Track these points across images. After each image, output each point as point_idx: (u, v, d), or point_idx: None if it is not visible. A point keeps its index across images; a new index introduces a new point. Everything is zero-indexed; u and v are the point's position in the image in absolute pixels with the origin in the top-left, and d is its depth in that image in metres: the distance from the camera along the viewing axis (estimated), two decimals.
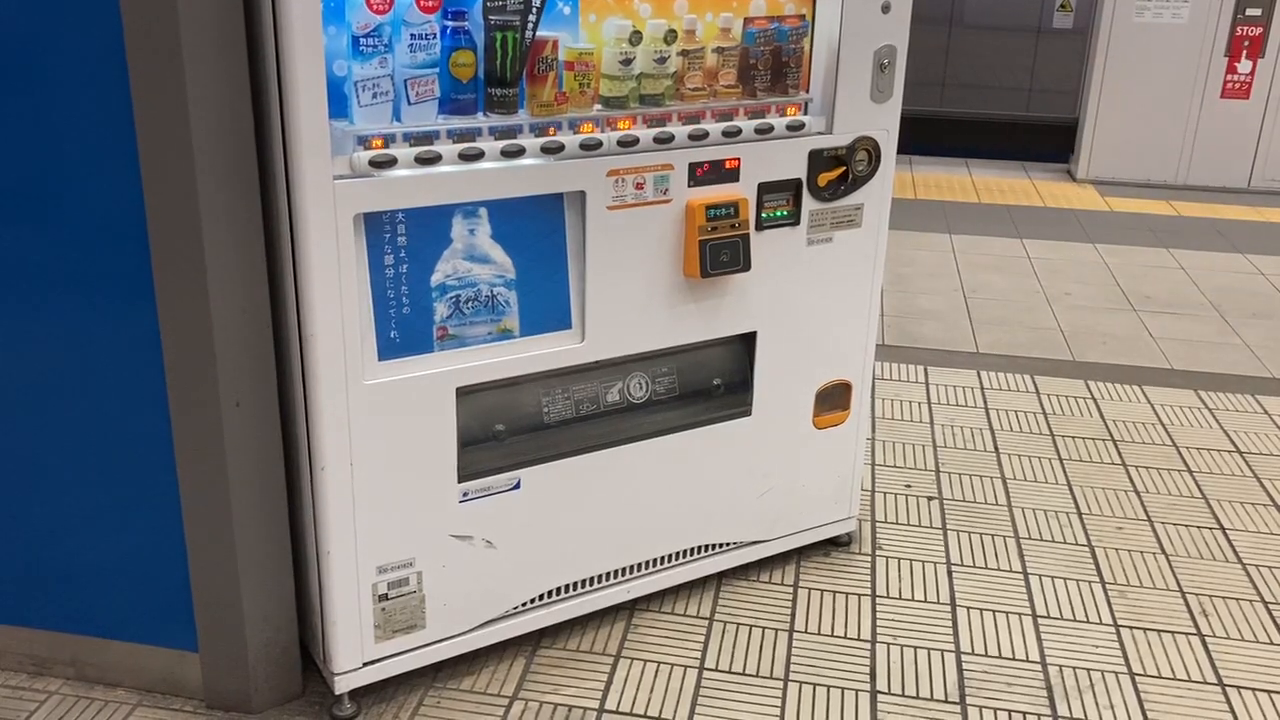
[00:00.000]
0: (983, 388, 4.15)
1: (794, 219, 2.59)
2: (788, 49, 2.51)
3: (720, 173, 2.46)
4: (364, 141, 2.08)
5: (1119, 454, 3.66)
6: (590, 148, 2.29)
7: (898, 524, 3.19)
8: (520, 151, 2.21)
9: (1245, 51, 7.03)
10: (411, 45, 2.08)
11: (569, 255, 2.37)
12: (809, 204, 2.60)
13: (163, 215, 2.04)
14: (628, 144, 2.33)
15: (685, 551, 2.74)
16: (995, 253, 5.88)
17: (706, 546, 2.77)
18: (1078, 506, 3.31)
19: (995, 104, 8.62)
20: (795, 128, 2.53)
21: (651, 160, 2.37)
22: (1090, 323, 4.90)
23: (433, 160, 2.12)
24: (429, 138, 2.13)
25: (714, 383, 2.68)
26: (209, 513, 2.23)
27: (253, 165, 2.07)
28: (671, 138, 2.38)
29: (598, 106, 2.33)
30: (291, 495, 2.31)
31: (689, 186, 2.43)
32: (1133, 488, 3.44)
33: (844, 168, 2.61)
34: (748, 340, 2.66)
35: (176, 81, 1.95)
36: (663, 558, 2.71)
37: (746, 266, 2.51)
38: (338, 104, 2.06)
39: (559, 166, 2.27)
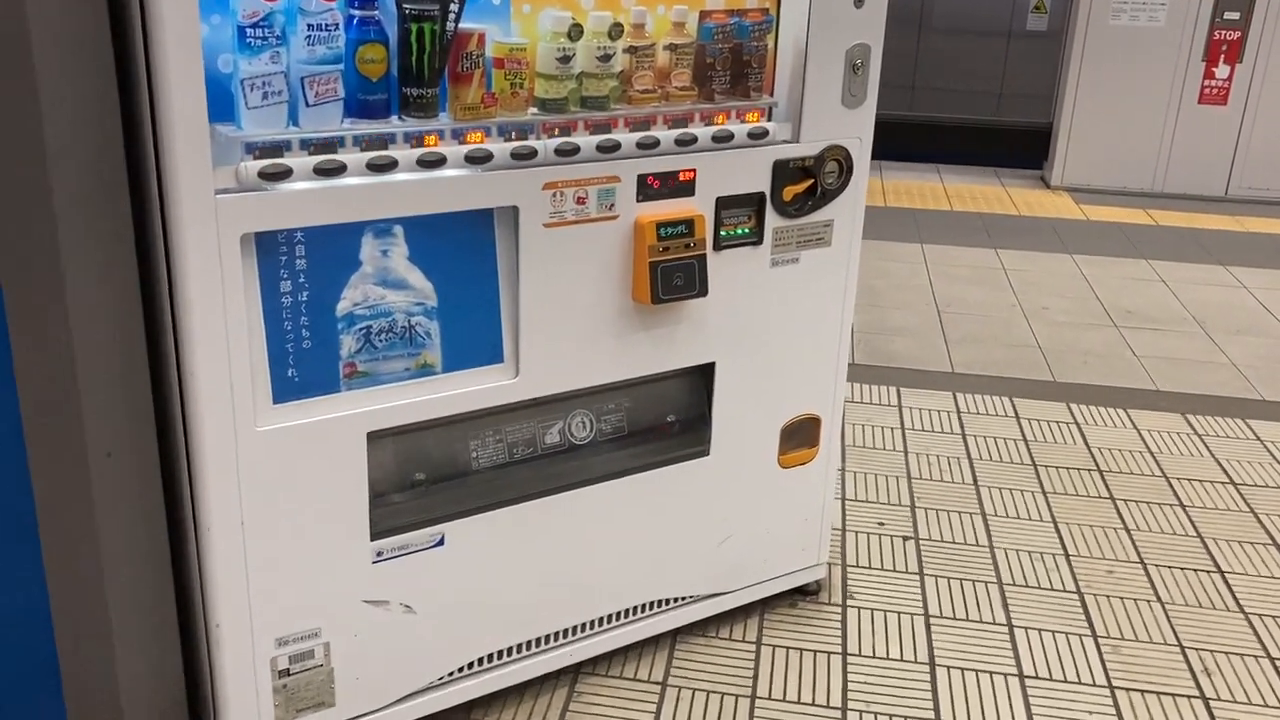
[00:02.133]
0: (959, 411, 3.89)
1: (756, 238, 2.31)
2: (749, 47, 2.22)
3: (673, 186, 2.17)
4: (254, 149, 1.77)
5: (1106, 486, 3.41)
6: (523, 157, 1.99)
7: (870, 568, 2.92)
8: (440, 161, 1.91)
9: (1223, 56, 6.83)
10: (309, 37, 1.77)
11: (500, 279, 2.08)
12: (773, 221, 2.32)
13: (10, 235, 1.73)
14: (567, 153, 2.04)
15: (635, 608, 2.45)
16: (969, 264, 5.64)
17: (659, 602, 2.48)
18: (1064, 546, 3.05)
19: (967, 108, 8.39)
20: (758, 136, 2.25)
21: (595, 171, 2.08)
22: (1070, 339, 4.66)
23: (336, 171, 1.82)
24: (332, 145, 1.83)
25: (668, 420, 2.39)
26: (76, 579, 1.92)
27: (120, 176, 1.75)
28: (617, 146, 2.09)
29: (532, 110, 2.04)
30: (179, 558, 2.00)
31: (638, 201, 2.14)
32: (1122, 524, 3.19)
33: (812, 180, 2.34)
34: (706, 372, 2.38)
35: (27, 81, 1.64)
36: (610, 616, 2.42)
37: (703, 291, 2.23)
38: (222, 106, 1.76)
39: (487, 178, 1.98)
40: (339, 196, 1.85)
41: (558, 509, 2.24)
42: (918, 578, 2.88)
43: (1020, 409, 3.94)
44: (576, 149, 2.05)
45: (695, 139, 2.17)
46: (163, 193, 1.73)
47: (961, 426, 3.77)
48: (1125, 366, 4.39)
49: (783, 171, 2.29)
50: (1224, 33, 6.81)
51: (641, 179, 2.13)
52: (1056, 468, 3.51)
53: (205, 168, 1.71)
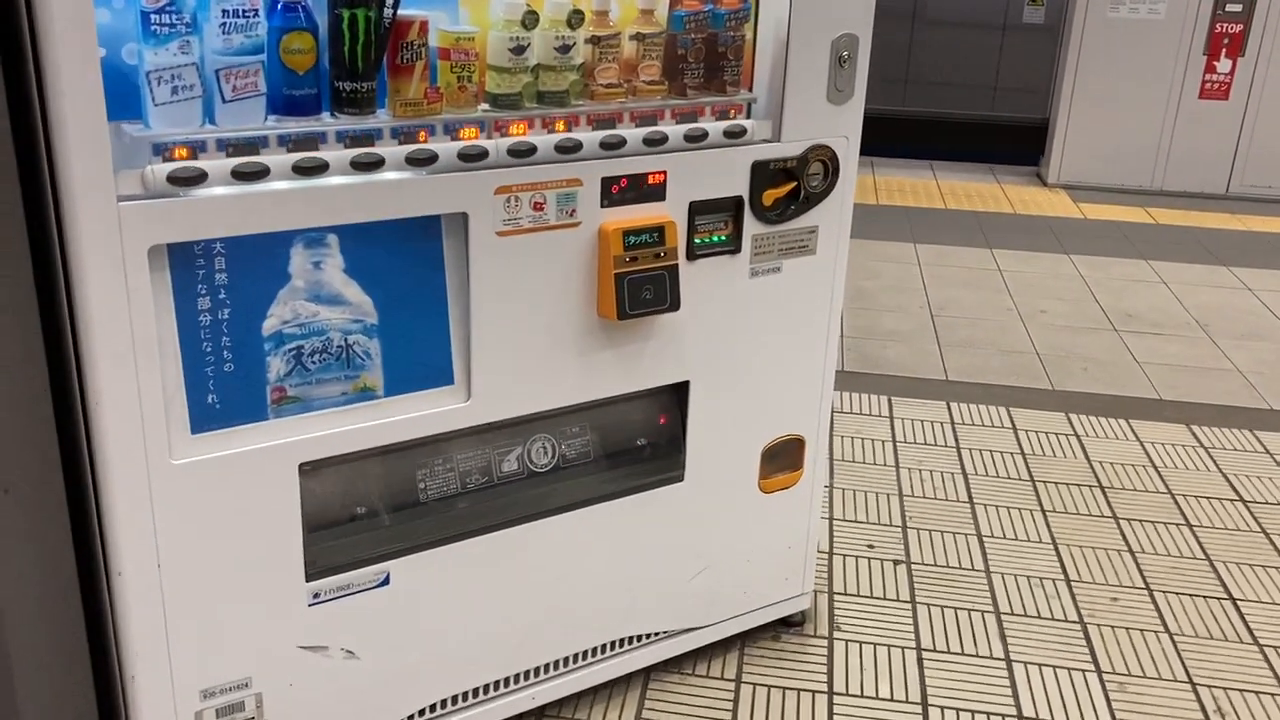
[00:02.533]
0: (953, 422, 3.70)
1: (734, 245, 2.12)
2: (725, 37, 2.03)
3: (641, 190, 1.98)
4: (163, 151, 1.58)
5: (1108, 504, 3.22)
6: (472, 158, 1.80)
7: (859, 596, 2.73)
8: (378, 163, 1.72)
9: (1225, 50, 6.65)
10: (225, 25, 1.58)
11: (449, 293, 1.88)
12: (752, 227, 2.13)
13: None
14: (522, 153, 1.85)
15: (603, 646, 2.26)
16: (964, 264, 5.45)
17: (630, 639, 2.29)
18: (1066, 571, 2.87)
19: (961, 103, 8.19)
20: (735, 134, 2.06)
21: (554, 174, 1.89)
22: (1069, 344, 4.48)
23: (258, 174, 1.63)
24: (254, 145, 1.64)
25: (638, 443, 2.20)
26: None
27: (11, 183, 1.56)
28: (578, 146, 1.90)
29: (483, 107, 1.85)
30: (91, 605, 1.80)
31: (602, 207, 1.95)
32: (1126, 546, 3.00)
33: (795, 183, 2.14)
34: (679, 391, 2.18)
35: None
36: (576, 655, 2.23)
37: (675, 305, 2.04)
38: (127, 102, 1.56)
39: (433, 182, 1.78)
40: (263, 203, 1.65)
41: (516, 542, 2.05)
42: (909, 606, 2.69)
43: (1017, 419, 3.75)
44: (532, 149, 1.85)
45: (665, 138, 1.98)
46: (58, 200, 1.53)
47: (956, 439, 3.58)
48: (1126, 374, 4.21)
49: (762, 174, 2.10)
50: (1226, 25, 6.63)
51: (606, 182, 1.94)
52: (1056, 483, 3.33)
53: (105, 171, 1.51)
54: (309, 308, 1.76)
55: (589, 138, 1.91)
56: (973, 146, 7.66)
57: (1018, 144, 7.56)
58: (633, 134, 1.95)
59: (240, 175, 1.61)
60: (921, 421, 3.70)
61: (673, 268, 2.02)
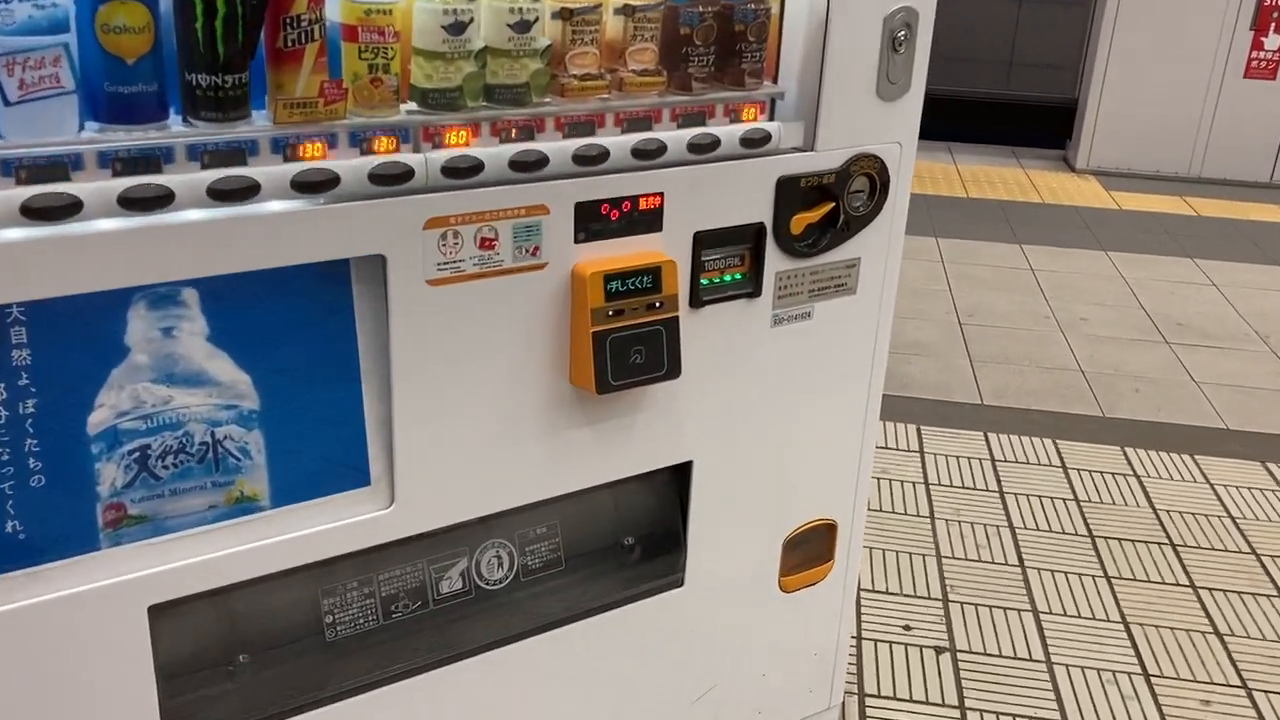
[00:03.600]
0: (993, 459, 3.20)
1: (752, 287, 1.61)
2: (744, 12, 1.51)
3: (630, 218, 1.47)
4: None
5: (1182, 566, 2.73)
6: (391, 180, 1.29)
7: (896, 699, 2.24)
8: (250, 189, 1.20)
9: (1274, 24, 6.09)
10: None
11: (362, 363, 1.37)
12: (776, 262, 1.62)
13: None
14: (462, 172, 1.33)
15: None
16: (991, 262, 4.93)
17: None
18: (1142, 662, 2.38)
19: (983, 81, 7.62)
20: (756, 141, 1.54)
21: (508, 200, 1.37)
22: (1115, 359, 3.97)
23: (66, 210, 1.11)
24: (59, 167, 1.12)
25: (624, 542, 1.70)
26: None
27: None
28: (543, 161, 1.38)
29: (408, 107, 1.33)
30: None
31: (577, 242, 1.44)
32: (1212, 627, 2.51)
33: (833, 204, 1.63)
34: (679, 474, 1.68)
35: None
36: None
37: (674, 371, 1.52)
38: None
39: (334, 215, 1.27)
40: (80, 250, 1.14)
41: (462, 682, 1.55)
42: (957, 713, 2.20)
43: (1066, 455, 3.25)
44: (478, 166, 1.34)
45: (663, 148, 1.46)
46: None
47: (998, 480, 3.08)
48: (1185, 397, 3.70)
49: (791, 192, 1.59)
50: None
51: (582, 209, 1.43)
52: (1119, 539, 2.83)
53: None
54: (157, 392, 1.25)
55: (558, 149, 1.39)
56: (995, 128, 7.10)
57: (1043, 126, 7.01)
58: (618, 143, 1.43)
59: (35, 213, 1.10)
60: (956, 457, 3.19)
61: (671, 322, 1.51)
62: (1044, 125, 7.02)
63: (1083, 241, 5.27)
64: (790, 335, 1.68)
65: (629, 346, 1.48)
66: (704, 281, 1.57)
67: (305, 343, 1.32)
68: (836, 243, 1.67)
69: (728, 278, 1.59)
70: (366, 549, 1.43)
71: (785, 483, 1.79)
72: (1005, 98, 7.61)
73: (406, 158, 1.30)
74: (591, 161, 1.41)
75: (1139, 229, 5.52)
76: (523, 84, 1.36)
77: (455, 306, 1.37)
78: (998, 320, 4.27)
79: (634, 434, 1.59)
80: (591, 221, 1.44)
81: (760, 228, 1.58)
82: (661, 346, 1.50)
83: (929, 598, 2.55)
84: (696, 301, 1.56)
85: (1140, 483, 3.12)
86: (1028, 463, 3.19)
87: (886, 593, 2.56)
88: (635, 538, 1.70)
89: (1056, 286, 4.67)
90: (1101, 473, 3.16)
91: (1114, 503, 3.01)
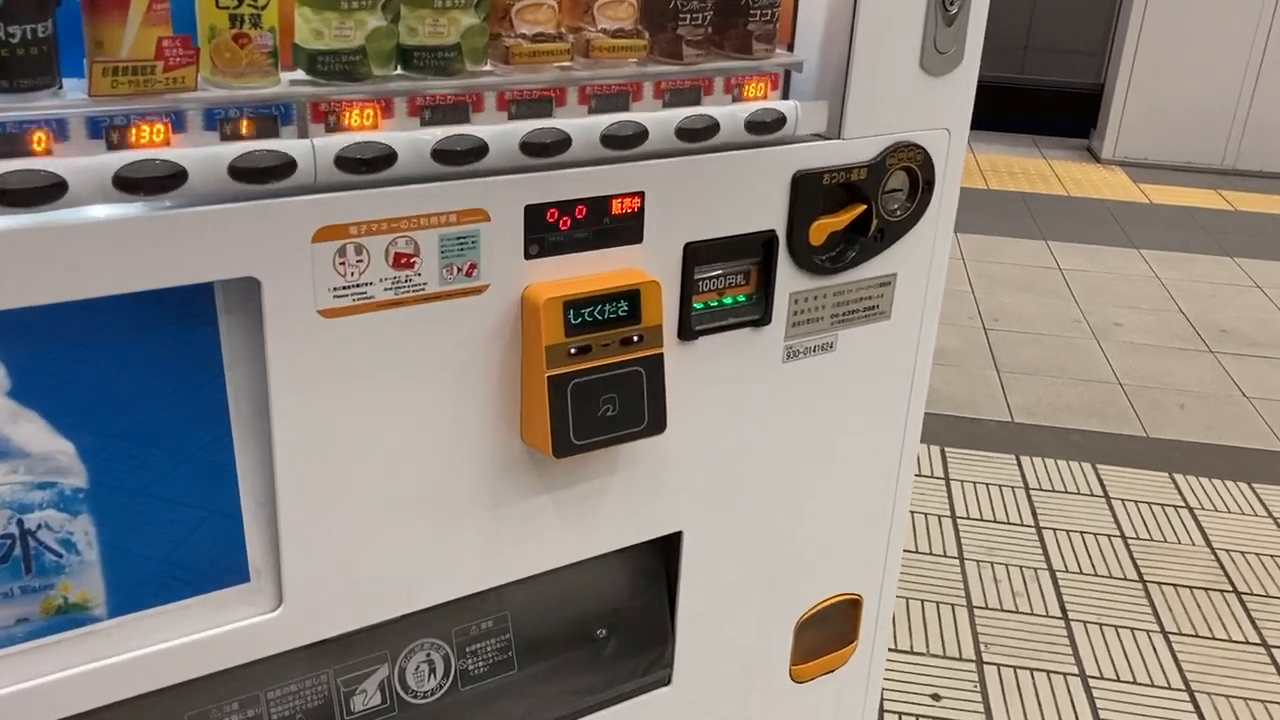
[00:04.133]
0: (1027, 487, 2.85)
1: (759, 312, 1.26)
2: None
3: (599, 226, 1.11)
4: None
5: (1250, 620, 2.38)
6: (264, 175, 0.93)
7: None
8: (55, 189, 0.85)
9: None
10: None
11: (233, 422, 1.02)
12: (790, 281, 1.27)
13: None
14: (367, 164, 0.98)
15: None
16: (1016, 261, 4.57)
17: None
18: None
19: (1001, 65, 7.22)
20: (766, 126, 1.18)
21: (432, 202, 1.02)
22: (1155, 370, 3.61)
23: None
24: None
25: (596, 634, 1.34)
26: None
27: None
28: (480, 149, 1.02)
29: (292, 76, 0.97)
30: None
31: (528, 258, 1.09)
32: None
33: (864, 206, 1.28)
34: (665, 547, 1.33)
35: None
36: None
37: (658, 425, 1.17)
38: None
39: (185, 225, 0.91)
40: None
41: None
42: None
43: (1109, 482, 2.90)
44: (389, 156, 0.98)
45: (643, 133, 1.11)
46: None
47: (1034, 515, 2.73)
48: (1236, 414, 3.35)
49: (811, 191, 1.23)
50: None
51: (534, 214, 1.07)
52: (1174, 585, 2.48)
53: None
54: None
55: (500, 134, 1.04)
56: (1014, 115, 6.72)
57: (1066, 113, 6.64)
58: (583, 126, 1.08)
59: None
60: (986, 485, 2.84)
61: (653, 361, 1.16)
62: (1067, 112, 6.64)
63: (1113, 238, 4.91)
64: (807, 372, 1.33)
65: (597, 394, 1.12)
66: (697, 306, 1.21)
67: (152, 397, 0.97)
68: (867, 255, 1.31)
69: (728, 300, 1.24)
70: (247, 663, 1.08)
71: (799, 552, 1.44)
72: (1024, 83, 7.22)
73: (287, 145, 0.94)
74: (546, 151, 1.06)
75: (1172, 225, 5.15)
76: (451, 46, 1.01)
77: (360, 345, 1.02)
78: (1025, 325, 3.91)
79: (606, 501, 1.24)
80: (547, 231, 1.08)
81: (770, 237, 1.23)
82: (640, 393, 1.15)
83: (960, 659, 2.21)
84: (687, 333, 1.21)
85: (1193, 515, 2.77)
86: (1065, 491, 2.84)
87: (911, 652, 2.22)
88: (609, 627, 1.35)
89: (1087, 287, 4.31)
90: (1149, 503, 2.81)
91: (1165, 539, 2.66)
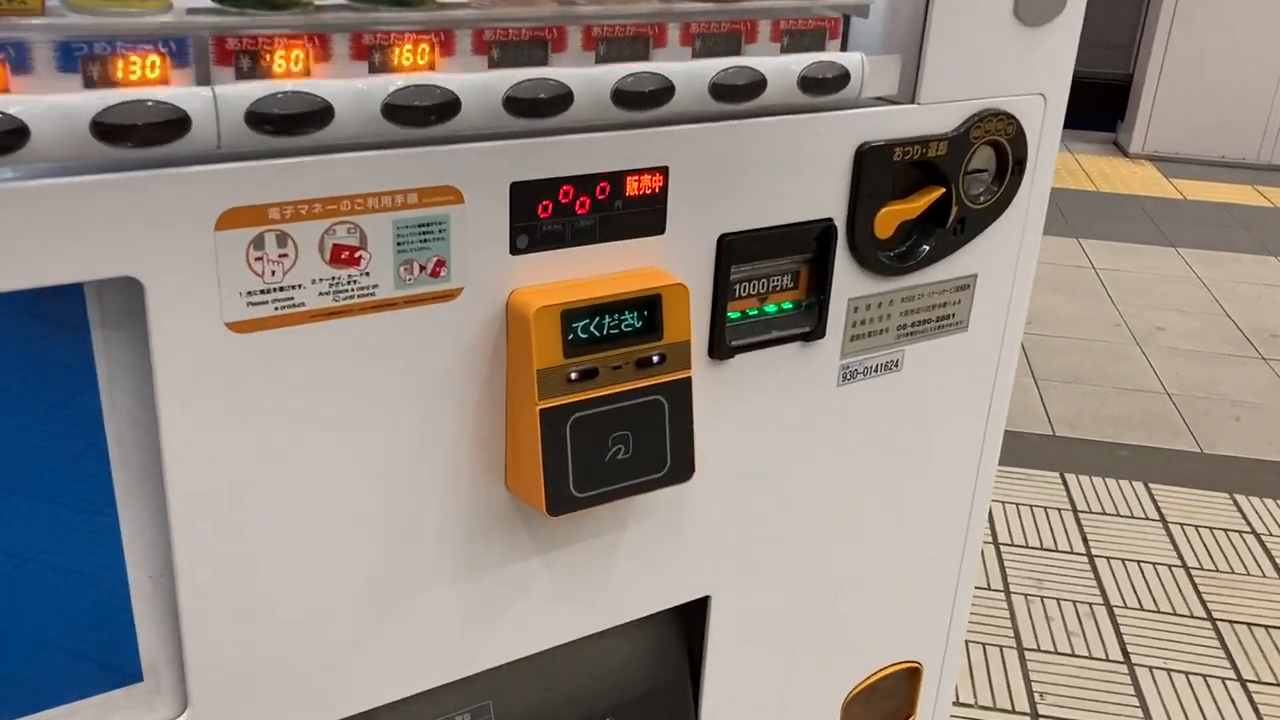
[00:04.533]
0: (1075, 509, 2.59)
1: (810, 324, 0.99)
2: None
3: (609, 210, 0.85)
4: None
5: None
6: (140, 136, 0.67)
7: None
8: None
9: None
10: None
11: (116, 471, 0.75)
12: (849, 284, 1.00)
13: None
14: (293, 122, 0.71)
15: None
16: (1048, 259, 4.29)
17: None
18: None
19: None
20: (823, 84, 0.92)
21: (385, 177, 0.75)
22: (1204, 379, 3.35)
23: None
24: None
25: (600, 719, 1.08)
26: None
27: None
28: (451, 106, 0.76)
29: (191, 2, 0.71)
30: None
31: (514, 253, 0.82)
32: None
33: (942, 190, 1.01)
34: (687, 616, 1.07)
35: None
36: None
37: (684, 471, 0.91)
38: None
39: (34, 202, 0.65)
40: None
41: None
42: None
43: (1164, 504, 2.63)
44: (324, 111, 0.72)
45: (668, 89, 0.84)
46: None
47: (1084, 539, 2.47)
48: None
49: (878, 170, 0.97)
50: None
51: (523, 195, 0.81)
52: (1248, 624, 2.22)
53: None
54: None
55: (477, 86, 0.77)
56: None
57: (1092, 106, 6.35)
58: (588, 78, 0.82)
59: None
60: (1030, 507, 2.58)
61: (679, 387, 0.89)
62: (1093, 104, 6.36)
63: (1148, 236, 4.64)
64: (866, 397, 1.07)
65: (605, 432, 0.86)
66: (733, 316, 0.95)
67: (6, 435, 0.71)
68: (944, 252, 1.05)
69: (771, 309, 0.98)
70: None
71: (851, 616, 1.17)
72: None
73: (179, 95, 0.68)
74: (539, 109, 0.79)
75: (1210, 222, 4.88)
76: None
77: (285, 370, 0.76)
78: (1061, 329, 3.65)
79: (616, 563, 0.98)
80: (539, 217, 0.82)
81: (827, 228, 0.97)
82: (661, 430, 0.89)
83: (1012, 711, 1.95)
84: (720, 350, 0.95)
85: (1261, 543, 2.50)
86: (1118, 514, 2.58)
87: (958, 704, 1.95)
88: (619, 709, 1.09)
89: (1124, 288, 4.04)
90: (1210, 529, 2.55)
91: (1231, 570, 2.40)
